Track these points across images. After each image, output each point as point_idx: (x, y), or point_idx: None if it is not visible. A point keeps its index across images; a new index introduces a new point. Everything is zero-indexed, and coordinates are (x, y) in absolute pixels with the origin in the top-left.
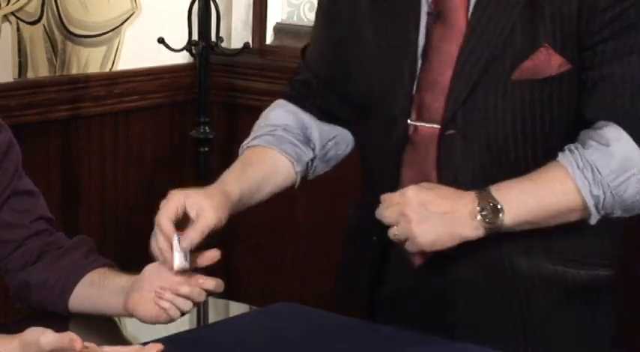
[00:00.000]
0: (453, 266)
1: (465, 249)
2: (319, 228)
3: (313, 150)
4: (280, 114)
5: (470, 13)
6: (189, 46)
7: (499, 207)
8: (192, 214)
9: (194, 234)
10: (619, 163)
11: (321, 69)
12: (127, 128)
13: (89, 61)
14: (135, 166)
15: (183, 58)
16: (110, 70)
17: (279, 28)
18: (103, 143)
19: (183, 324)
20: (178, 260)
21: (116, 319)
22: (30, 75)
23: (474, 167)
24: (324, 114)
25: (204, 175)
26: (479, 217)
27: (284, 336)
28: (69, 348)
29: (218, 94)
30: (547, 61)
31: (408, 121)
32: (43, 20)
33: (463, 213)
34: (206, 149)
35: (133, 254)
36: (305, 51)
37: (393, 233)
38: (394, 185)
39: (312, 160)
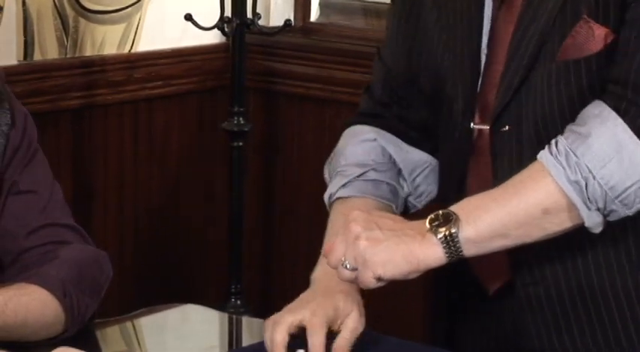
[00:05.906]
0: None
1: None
2: None
3: (405, 184)
4: (364, 149)
5: None
6: (221, 24)
7: (453, 216)
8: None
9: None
10: (601, 143)
11: (400, 68)
12: (148, 118)
13: (105, 41)
14: (157, 163)
15: (214, 37)
16: (129, 51)
17: (326, 3)
18: (121, 135)
19: (213, 348)
20: None
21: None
22: (37, 57)
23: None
24: (406, 127)
25: (237, 174)
26: (430, 228)
27: None
28: None
29: (254, 80)
30: (589, 35)
31: (472, 125)
32: None
33: (413, 230)
34: (240, 143)
35: (153, 262)
36: (380, 53)
37: (342, 272)
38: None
39: (407, 196)
